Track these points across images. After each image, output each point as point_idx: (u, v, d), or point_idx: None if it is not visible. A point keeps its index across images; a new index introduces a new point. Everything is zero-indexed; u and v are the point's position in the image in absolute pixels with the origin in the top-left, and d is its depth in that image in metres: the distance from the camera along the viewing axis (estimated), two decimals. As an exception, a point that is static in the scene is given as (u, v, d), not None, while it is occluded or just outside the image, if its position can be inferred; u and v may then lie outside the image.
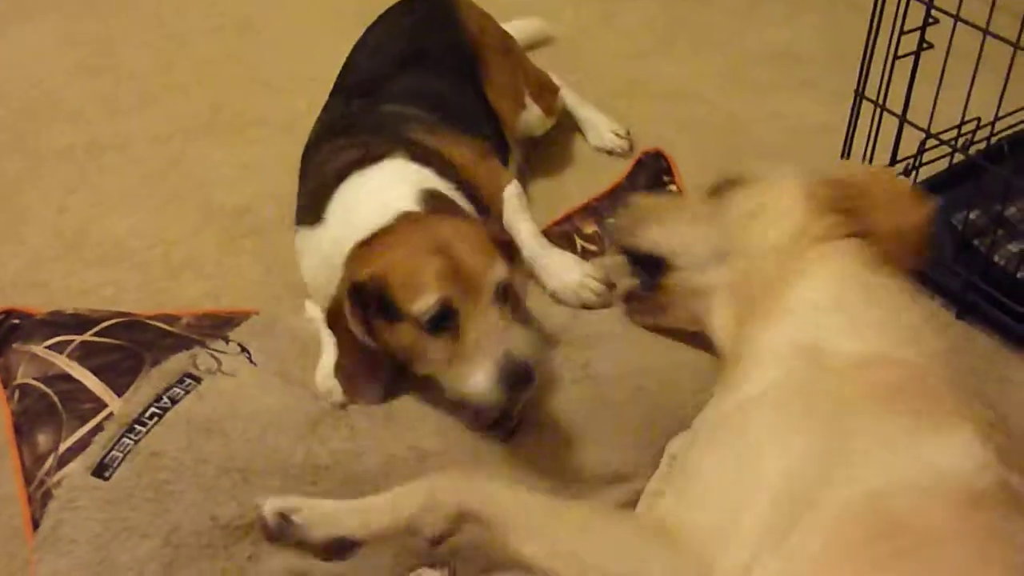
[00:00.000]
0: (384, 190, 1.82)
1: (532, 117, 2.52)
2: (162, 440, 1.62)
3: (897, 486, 1.26)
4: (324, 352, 1.84)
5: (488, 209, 2.01)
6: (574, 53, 3.10)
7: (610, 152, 2.65)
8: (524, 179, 2.41)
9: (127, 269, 2.32)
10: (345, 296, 1.65)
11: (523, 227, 2.05)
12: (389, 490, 1.51)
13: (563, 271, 1.99)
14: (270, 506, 1.52)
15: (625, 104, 2.85)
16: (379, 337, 1.67)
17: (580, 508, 1.49)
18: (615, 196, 2.23)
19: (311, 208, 1.94)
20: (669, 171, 2.30)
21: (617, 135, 2.67)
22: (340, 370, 1.74)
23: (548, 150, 2.65)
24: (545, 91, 2.59)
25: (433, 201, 1.81)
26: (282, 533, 1.52)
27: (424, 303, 1.58)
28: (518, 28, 2.71)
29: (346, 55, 2.45)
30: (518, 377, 1.57)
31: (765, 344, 1.53)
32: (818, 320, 1.51)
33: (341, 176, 1.90)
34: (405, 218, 1.73)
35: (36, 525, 1.61)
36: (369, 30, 2.47)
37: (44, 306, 2.13)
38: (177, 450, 1.60)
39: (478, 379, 1.58)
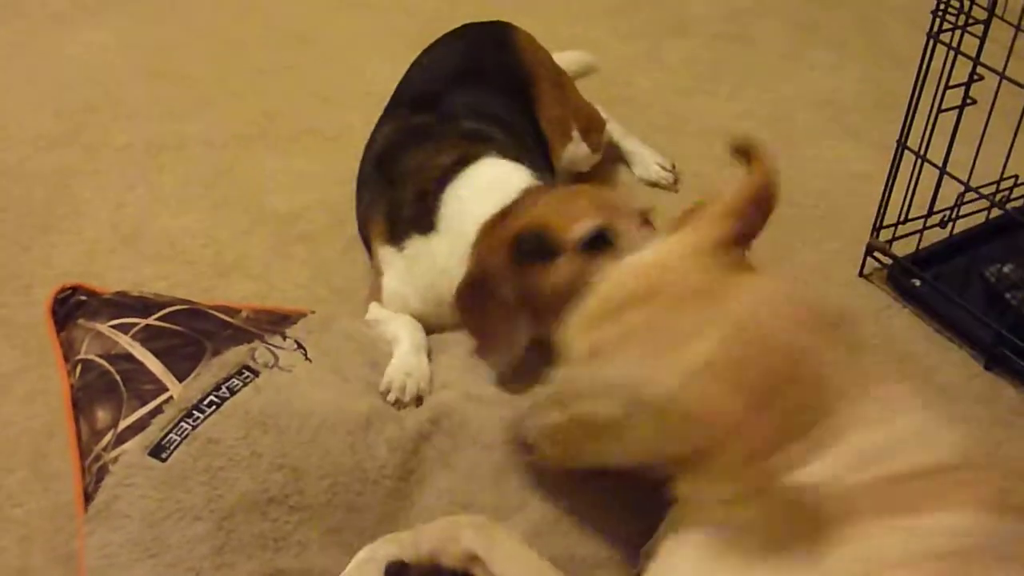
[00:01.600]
0: (492, 187, 1.95)
1: (579, 152, 2.58)
2: (219, 428, 1.67)
3: None
4: (396, 349, 1.92)
5: None
6: (619, 87, 3.17)
7: (655, 184, 2.72)
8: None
9: (179, 265, 2.38)
10: (503, 250, 1.81)
11: None
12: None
13: None
14: None
15: (667, 139, 2.91)
16: (533, 288, 1.81)
17: None
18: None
19: (421, 217, 2.02)
20: None
21: (663, 167, 2.74)
22: (479, 340, 1.88)
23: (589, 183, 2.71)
24: (592, 127, 2.64)
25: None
26: None
27: (583, 226, 1.77)
28: (564, 60, 2.77)
29: (399, 72, 2.51)
30: None
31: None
32: None
33: (444, 180, 2.00)
34: (529, 192, 1.91)
35: (87, 498, 1.66)
36: (424, 52, 2.54)
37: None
38: (234, 440, 1.65)
39: None
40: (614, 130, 2.79)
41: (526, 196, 1.89)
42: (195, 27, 3.43)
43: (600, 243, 1.77)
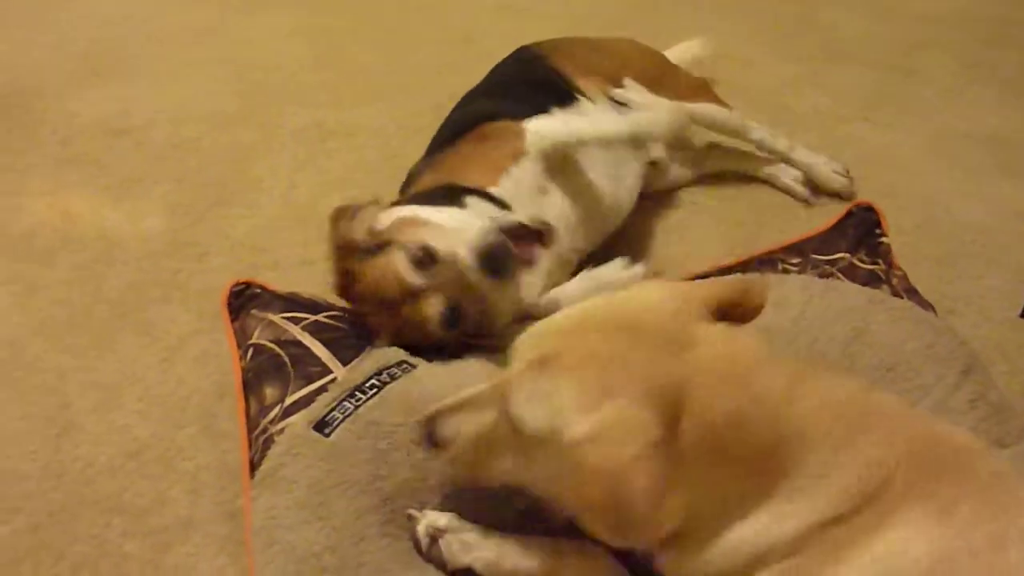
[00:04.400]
0: None
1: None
2: (380, 412, 1.73)
3: None
4: None
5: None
6: (779, 107, 3.17)
7: (836, 194, 2.72)
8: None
9: (346, 248, 2.47)
10: None
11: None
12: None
13: None
14: (425, 521, 1.59)
15: (830, 164, 2.91)
16: None
17: None
18: (823, 240, 2.28)
19: None
20: (879, 224, 2.32)
21: (839, 174, 2.74)
22: None
23: (740, 200, 2.72)
24: (659, 75, 2.64)
25: None
26: (428, 550, 1.59)
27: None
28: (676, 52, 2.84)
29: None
30: None
31: None
32: None
33: None
34: None
35: (252, 467, 1.75)
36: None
37: (267, 268, 2.32)
38: (393, 425, 1.71)
39: None
40: (778, 143, 2.76)
41: None
42: (368, 21, 3.55)
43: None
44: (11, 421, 1.98)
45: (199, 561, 1.75)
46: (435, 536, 1.58)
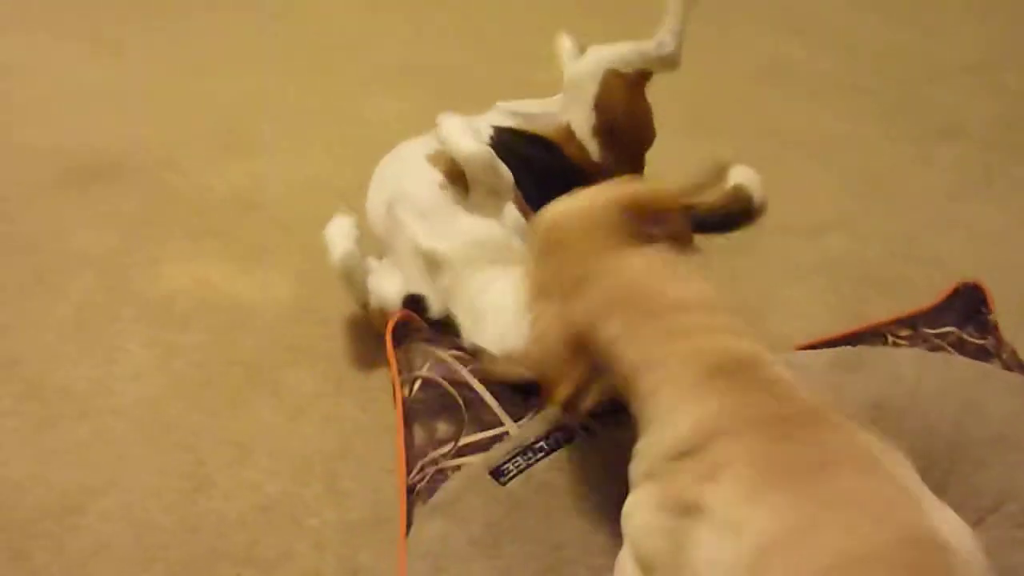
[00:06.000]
0: None
1: None
2: (552, 474, 1.79)
3: None
4: None
5: None
6: (892, 189, 3.20)
7: None
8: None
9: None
10: None
11: None
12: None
13: None
14: None
15: (941, 242, 2.95)
16: None
17: None
18: (930, 315, 2.27)
19: None
20: (985, 302, 2.29)
21: None
22: None
23: (839, 274, 2.75)
24: None
25: None
26: None
27: None
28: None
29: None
30: None
31: None
32: None
33: None
34: None
35: (411, 492, 1.83)
36: None
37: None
38: (567, 484, 1.77)
39: None
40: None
41: None
42: (482, 106, 3.66)
43: None
44: (150, 476, 2.10)
45: (325, 613, 1.83)
46: None
